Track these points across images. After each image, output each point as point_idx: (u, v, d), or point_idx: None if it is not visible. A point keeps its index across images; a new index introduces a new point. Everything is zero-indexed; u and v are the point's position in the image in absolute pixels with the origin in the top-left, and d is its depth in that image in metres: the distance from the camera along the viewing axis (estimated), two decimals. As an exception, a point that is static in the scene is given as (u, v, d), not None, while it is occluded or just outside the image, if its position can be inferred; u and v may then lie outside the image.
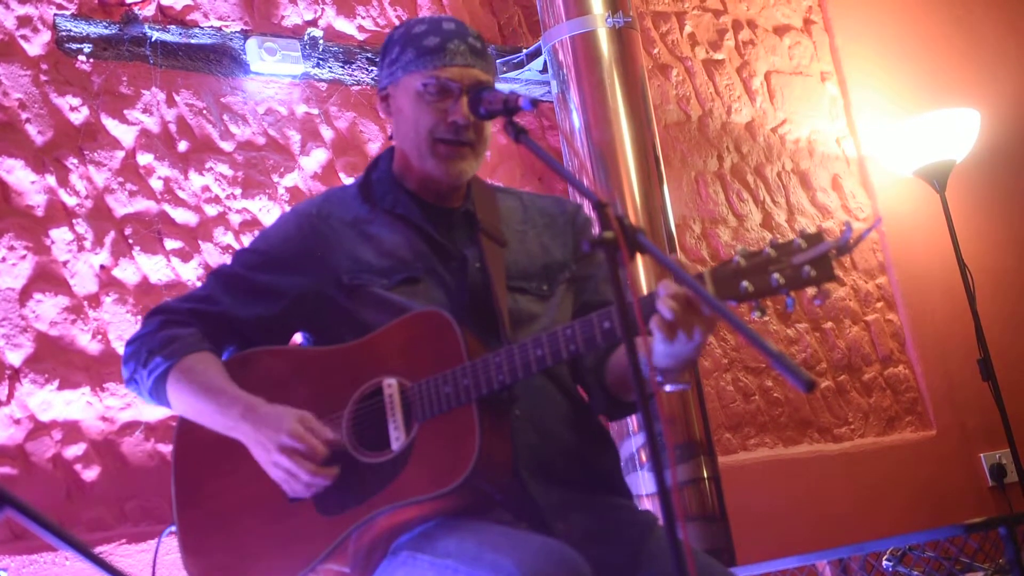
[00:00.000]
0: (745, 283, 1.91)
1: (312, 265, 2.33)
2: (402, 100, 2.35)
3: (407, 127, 2.35)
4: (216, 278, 2.41)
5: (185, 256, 3.71)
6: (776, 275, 1.90)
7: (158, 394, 2.31)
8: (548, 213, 2.49)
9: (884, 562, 3.76)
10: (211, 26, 3.97)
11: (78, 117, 3.66)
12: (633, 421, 3.88)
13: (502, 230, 2.41)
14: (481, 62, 2.32)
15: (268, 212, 3.88)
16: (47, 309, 3.45)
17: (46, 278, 3.47)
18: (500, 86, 3.96)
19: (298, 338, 2.48)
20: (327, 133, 4.12)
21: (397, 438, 2.16)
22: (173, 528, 2.35)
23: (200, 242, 3.75)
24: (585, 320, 2.07)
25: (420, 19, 2.39)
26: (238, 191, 3.87)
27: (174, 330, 2.32)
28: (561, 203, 2.53)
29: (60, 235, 3.52)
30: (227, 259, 3.33)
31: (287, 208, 3.88)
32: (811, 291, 1.89)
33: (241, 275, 2.37)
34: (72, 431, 3.40)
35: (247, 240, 2.44)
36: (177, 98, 3.85)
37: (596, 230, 1.85)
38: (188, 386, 2.27)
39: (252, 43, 3.99)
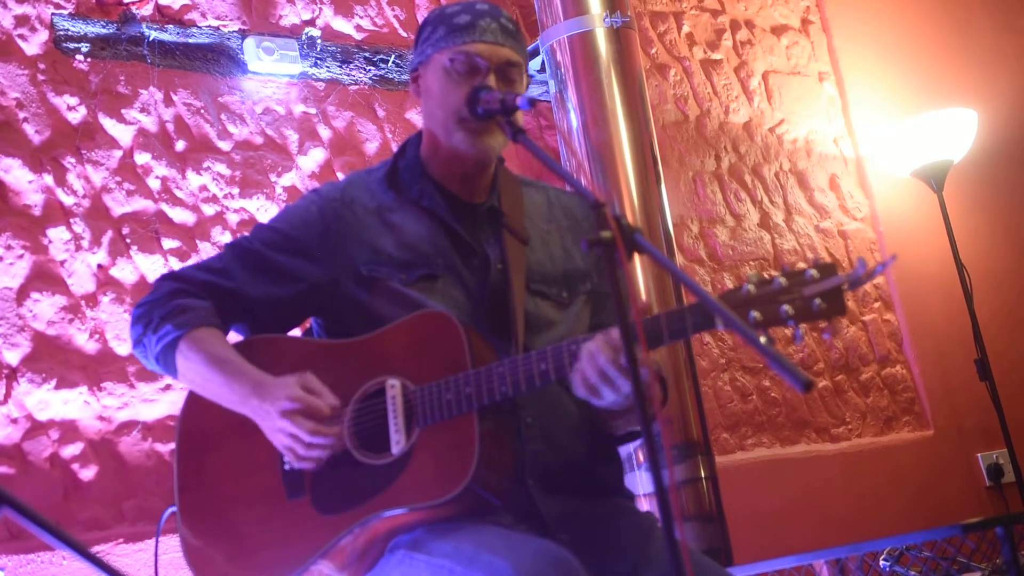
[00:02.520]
0: (754, 313, 1.91)
1: (331, 254, 2.30)
2: (431, 78, 2.31)
3: (435, 104, 2.30)
4: (234, 251, 2.37)
5: (183, 256, 3.71)
6: (786, 306, 1.89)
7: (165, 361, 2.29)
8: (573, 214, 2.46)
9: (881, 562, 3.76)
10: (209, 26, 3.97)
11: (76, 116, 3.65)
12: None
13: (526, 227, 2.37)
14: (512, 42, 2.29)
15: (266, 212, 3.88)
16: (44, 308, 3.45)
17: (43, 277, 3.47)
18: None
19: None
20: (325, 133, 4.12)
21: (397, 442, 2.15)
22: (174, 508, 2.34)
23: (198, 241, 3.75)
24: (590, 338, 2.05)
25: (455, 3, 2.36)
26: (236, 191, 3.87)
27: (187, 300, 2.30)
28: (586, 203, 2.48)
29: (57, 234, 3.52)
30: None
31: (280, 211, 3.88)
32: (821, 323, 1.89)
33: (259, 252, 2.34)
34: (69, 430, 3.40)
35: (252, 228, 2.46)
36: (175, 97, 3.85)
37: None
38: (199, 357, 2.24)
39: (250, 43, 3.99)
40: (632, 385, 1.74)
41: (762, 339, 1.86)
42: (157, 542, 2.59)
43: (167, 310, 2.29)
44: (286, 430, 2.15)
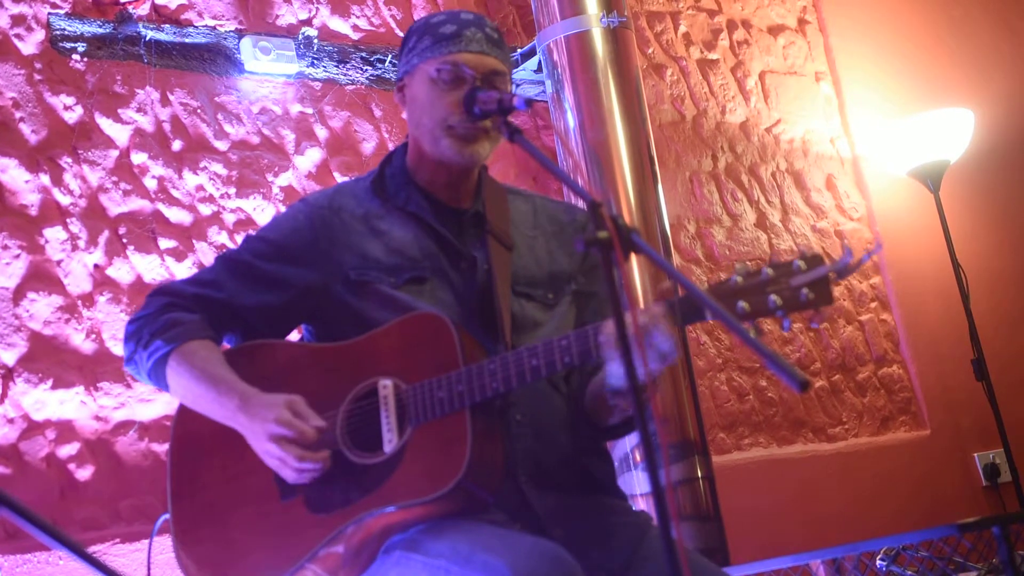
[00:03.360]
0: (742, 303, 1.91)
1: (320, 259, 2.32)
2: (417, 87, 2.33)
3: (421, 113, 2.33)
4: (223, 263, 2.39)
5: (179, 255, 3.71)
6: (774, 297, 1.89)
7: (157, 376, 2.31)
8: (558, 221, 2.48)
9: (878, 562, 3.76)
10: (205, 25, 3.97)
11: (72, 116, 3.65)
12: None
13: (511, 233, 2.40)
14: (498, 51, 2.31)
15: (262, 211, 3.88)
16: (41, 308, 3.45)
17: (40, 277, 3.47)
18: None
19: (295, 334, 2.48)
20: (321, 132, 4.12)
21: (390, 440, 2.15)
22: (167, 516, 2.35)
23: (194, 241, 3.75)
24: (581, 332, 2.07)
25: (439, 12, 2.38)
26: (232, 190, 3.87)
27: (177, 314, 2.31)
28: (571, 211, 2.51)
29: (54, 234, 3.52)
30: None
31: (281, 208, 3.88)
32: (809, 312, 1.89)
33: (248, 262, 2.36)
34: (66, 430, 3.40)
35: (241, 240, 2.47)
36: (171, 97, 3.85)
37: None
38: (188, 372, 2.26)
39: (246, 42, 3.99)
40: (629, 386, 1.74)
41: (752, 332, 1.86)
42: (151, 547, 2.60)
43: (157, 325, 2.30)
44: (274, 454, 2.17)
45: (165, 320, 2.30)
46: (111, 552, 3.34)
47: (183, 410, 2.37)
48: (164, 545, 3.24)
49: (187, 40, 3.91)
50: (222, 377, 2.25)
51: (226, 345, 2.40)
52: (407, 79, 2.37)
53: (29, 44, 3.64)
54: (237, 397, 2.22)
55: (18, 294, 3.43)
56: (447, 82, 2.28)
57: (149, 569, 2.53)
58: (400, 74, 2.39)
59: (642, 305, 3.91)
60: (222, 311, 2.34)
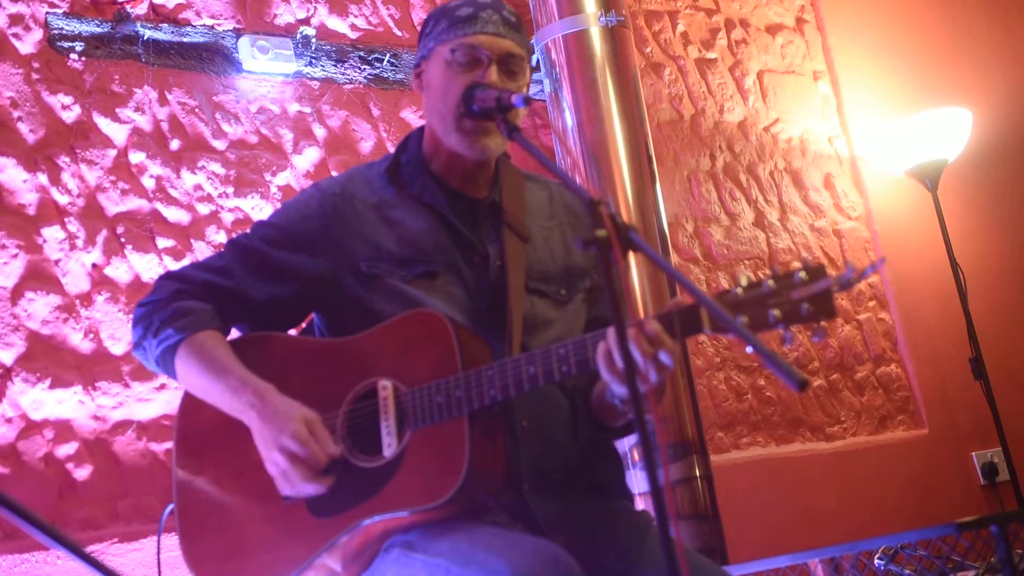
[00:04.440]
0: (743, 317, 1.89)
1: (330, 248, 2.29)
2: (433, 72, 2.31)
3: (436, 98, 2.30)
4: (234, 249, 2.36)
5: (177, 255, 3.70)
6: (775, 311, 1.87)
7: (165, 365, 2.29)
8: (573, 210, 2.46)
9: (876, 561, 3.76)
10: (203, 24, 3.96)
11: (70, 116, 3.65)
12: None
13: (527, 224, 2.37)
14: (515, 34, 2.28)
15: (260, 211, 3.88)
16: (39, 308, 3.44)
17: (38, 277, 3.46)
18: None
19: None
20: (319, 132, 4.12)
21: (389, 444, 2.14)
22: (173, 506, 2.34)
23: (192, 241, 3.75)
24: (579, 341, 2.04)
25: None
26: (230, 190, 3.87)
27: (188, 302, 2.29)
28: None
29: (52, 234, 3.52)
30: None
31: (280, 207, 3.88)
32: (810, 326, 1.88)
33: (258, 249, 2.33)
34: (64, 430, 3.40)
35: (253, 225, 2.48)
36: (169, 97, 3.85)
37: None
38: (199, 362, 2.24)
39: (244, 41, 3.99)
40: (628, 385, 1.73)
41: (749, 349, 1.85)
42: (159, 540, 2.59)
43: (167, 313, 2.28)
44: (280, 465, 2.14)
45: (175, 308, 2.28)
46: (109, 552, 3.34)
47: (186, 403, 2.36)
48: (166, 543, 3.24)
49: (185, 39, 3.91)
50: (233, 370, 2.23)
51: (236, 333, 2.39)
52: (424, 64, 2.34)
53: (27, 43, 3.63)
54: (251, 392, 2.20)
55: (16, 293, 3.42)
56: (462, 63, 2.25)
57: (159, 566, 2.51)
58: (417, 59, 2.37)
59: (641, 311, 3.91)
60: (232, 300, 2.32)
